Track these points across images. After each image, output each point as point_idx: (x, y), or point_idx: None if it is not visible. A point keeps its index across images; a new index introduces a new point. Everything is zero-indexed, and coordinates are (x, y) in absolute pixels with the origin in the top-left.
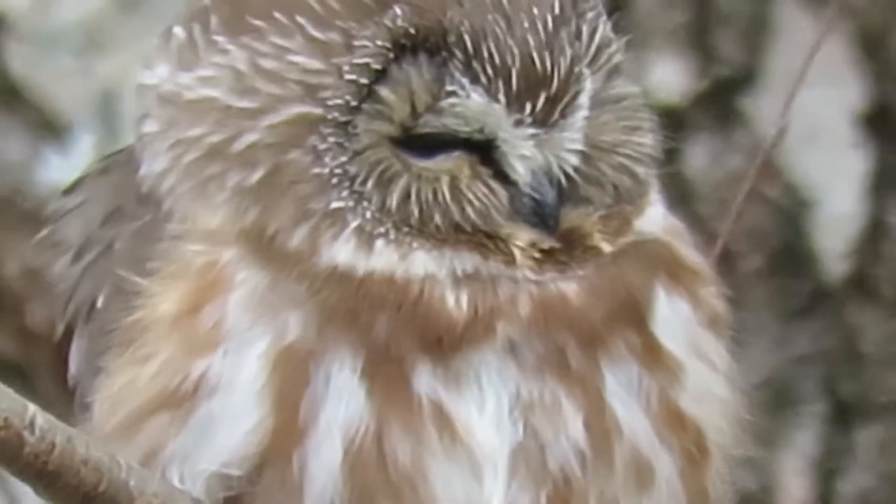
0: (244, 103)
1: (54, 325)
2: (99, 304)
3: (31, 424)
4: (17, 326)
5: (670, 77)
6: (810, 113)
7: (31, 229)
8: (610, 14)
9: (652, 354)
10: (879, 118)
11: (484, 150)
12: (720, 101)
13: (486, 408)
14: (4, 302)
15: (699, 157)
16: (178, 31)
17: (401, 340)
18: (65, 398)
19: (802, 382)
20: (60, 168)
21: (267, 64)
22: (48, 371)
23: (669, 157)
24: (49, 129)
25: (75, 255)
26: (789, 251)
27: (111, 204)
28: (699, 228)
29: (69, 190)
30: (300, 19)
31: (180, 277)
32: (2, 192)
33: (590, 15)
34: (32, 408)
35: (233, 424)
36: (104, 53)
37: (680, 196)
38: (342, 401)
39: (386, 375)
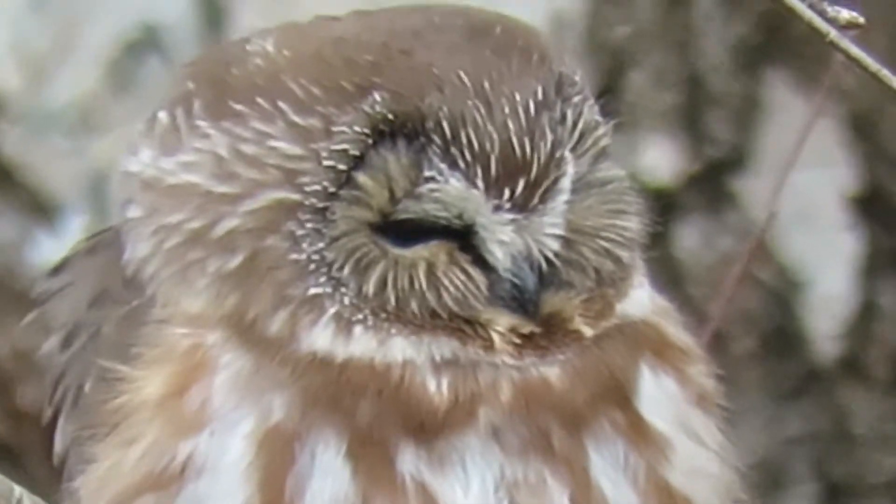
0: (224, 188)
1: (43, 408)
2: (86, 388)
3: None
4: (8, 407)
5: (662, 158)
6: (802, 195)
7: (21, 311)
8: (599, 96)
9: (638, 432)
10: (871, 200)
11: (463, 236)
12: (712, 182)
13: (470, 488)
14: None
15: (691, 238)
16: (162, 115)
17: (383, 425)
18: (54, 480)
19: (794, 463)
20: (51, 249)
21: (247, 149)
22: (38, 452)
23: (659, 240)
24: (40, 210)
25: (64, 340)
26: (781, 333)
27: (98, 286)
28: (691, 310)
29: (56, 270)
30: (282, 104)
31: (165, 360)
32: None
33: (575, 99)
34: (19, 490)
35: None
36: (96, 135)
37: (671, 278)
38: (327, 479)
39: (370, 456)
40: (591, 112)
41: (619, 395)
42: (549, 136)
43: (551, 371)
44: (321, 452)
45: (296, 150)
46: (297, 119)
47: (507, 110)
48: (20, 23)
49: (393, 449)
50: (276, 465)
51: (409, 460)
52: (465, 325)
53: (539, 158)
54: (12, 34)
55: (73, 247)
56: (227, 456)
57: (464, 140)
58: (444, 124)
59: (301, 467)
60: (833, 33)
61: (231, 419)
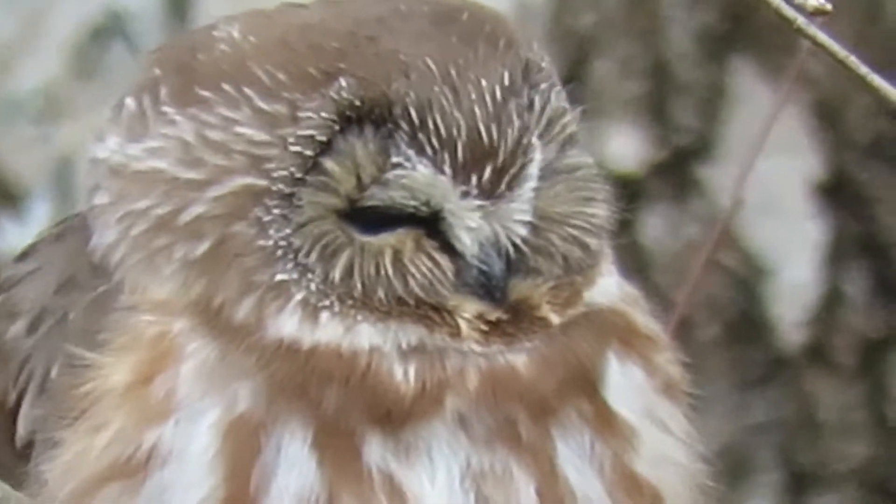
0: (191, 175)
1: (7, 392)
2: (53, 374)
3: None
4: None
5: (627, 146)
6: (767, 182)
7: None
8: (565, 83)
9: (604, 421)
10: (836, 188)
11: (430, 223)
12: (677, 170)
13: (436, 478)
14: None
15: (656, 226)
16: (129, 101)
17: (350, 413)
18: (18, 463)
19: (759, 451)
20: (17, 236)
21: (213, 135)
22: (3, 439)
23: (625, 227)
24: (6, 197)
25: (30, 325)
26: (746, 320)
27: (65, 272)
28: (656, 298)
29: (22, 256)
30: (247, 90)
31: (132, 348)
32: None
33: (542, 85)
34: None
35: (185, 494)
36: (62, 121)
37: (637, 265)
38: (293, 470)
39: (336, 446)
40: (559, 99)
41: (586, 384)
42: (517, 123)
43: (518, 358)
44: (287, 443)
45: (262, 135)
46: (262, 105)
47: (473, 96)
48: None
49: (359, 439)
50: (242, 456)
51: (375, 451)
52: (432, 312)
53: (506, 145)
54: None
55: (40, 233)
56: (192, 446)
57: (431, 126)
58: (411, 110)
59: (267, 458)
60: (801, 20)
61: (196, 409)
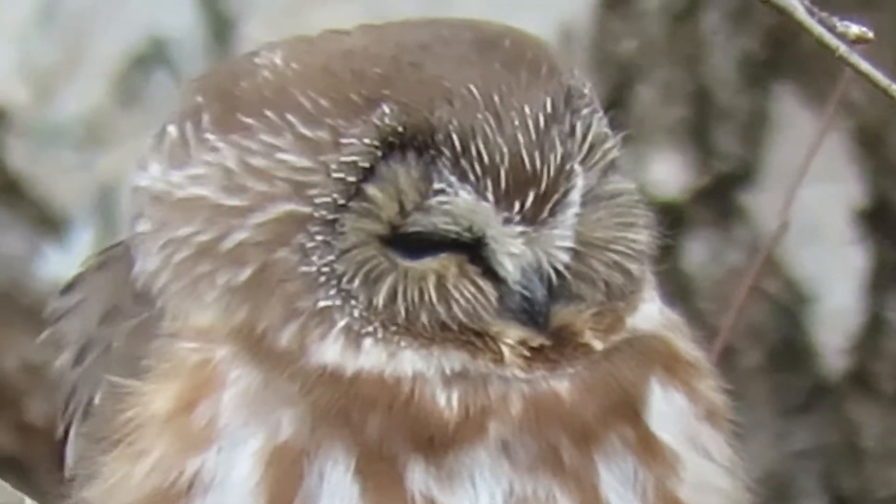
0: (233, 201)
1: (52, 421)
2: (96, 401)
3: None
4: (16, 421)
5: (670, 173)
6: (810, 209)
7: (30, 325)
8: (607, 109)
9: (647, 447)
10: (878, 214)
11: (473, 249)
12: (720, 196)
13: None
14: (3, 397)
15: (699, 253)
16: (171, 129)
17: (393, 439)
18: (61, 492)
19: (803, 478)
20: (59, 263)
21: (256, 162)
22: (46, 466)
23: (667, 254)
24: (48, 224)
25: (76, 356)
26: (789, 347)
27: (109, 302)
28: (699, 325)
29: (67, 288)
30: (290, 117)
31: (174, 375)
32: (0, 287)
33: (584, 111)
34: (29, 502)
35: None
36: (103, 148)
37: (679, 292)
38: (336, 498)
39: (379, 473)
40: (601, 124)
41: (629, 410)
42: (559, 149)
43: (561, 385)
44: (330, 470)
45: (305, 162)
46: (305, 131)
47: (516, 123)
48: (28, 37)
49: (402, 465)
50: (285, 483)
51: (418, 477)
52: (475, 338)
53: (549, 171)
54: (20, 48)
55: (84, 263)
56: (234, 473)
57: (474, 153)
58: (454, 137)
59: (309, 486)
60: (843, 48)
61: (239, 436)
